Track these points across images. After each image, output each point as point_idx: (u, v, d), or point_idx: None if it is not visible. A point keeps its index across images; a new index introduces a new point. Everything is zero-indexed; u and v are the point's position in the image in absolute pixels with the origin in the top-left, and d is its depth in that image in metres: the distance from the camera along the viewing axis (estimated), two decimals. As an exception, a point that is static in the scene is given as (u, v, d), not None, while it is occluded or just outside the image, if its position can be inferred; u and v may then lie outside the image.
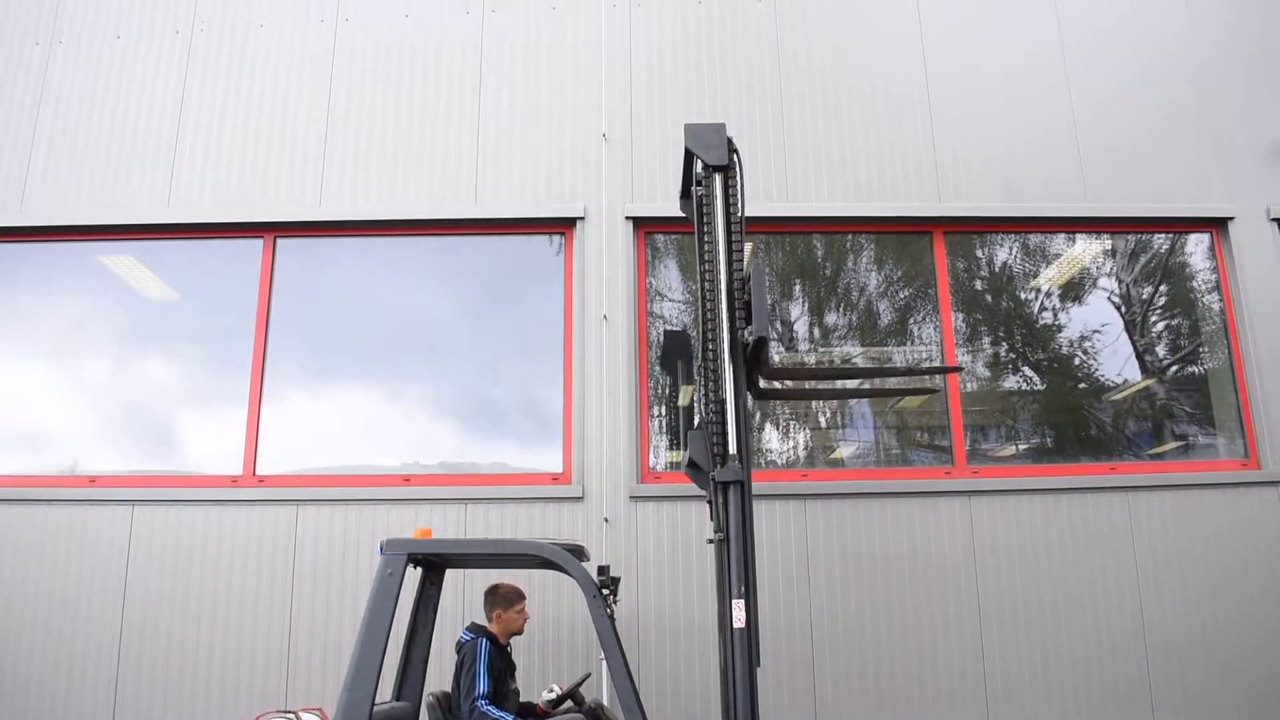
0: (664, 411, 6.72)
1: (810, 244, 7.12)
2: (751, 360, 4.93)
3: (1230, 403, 6.86)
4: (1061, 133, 7.18)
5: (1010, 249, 7.15)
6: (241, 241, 6.99)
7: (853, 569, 6.31)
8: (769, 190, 6.92)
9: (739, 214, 5.12)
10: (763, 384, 5.32)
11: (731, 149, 5.19)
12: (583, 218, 6.86)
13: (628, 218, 6.85)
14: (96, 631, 6.23)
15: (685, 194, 5.72)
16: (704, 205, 5.19)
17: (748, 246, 5.11)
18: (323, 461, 6.65)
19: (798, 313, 7.04)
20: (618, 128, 7.06)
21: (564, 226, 6.95)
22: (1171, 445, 6.86)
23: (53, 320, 6.93)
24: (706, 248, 5.11)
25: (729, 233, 5.06)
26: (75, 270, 7.01)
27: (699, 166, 5.32)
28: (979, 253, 7.13)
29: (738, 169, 5.18)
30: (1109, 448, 6.81)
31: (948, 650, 6.22)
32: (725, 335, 4.90)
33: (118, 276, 7.03)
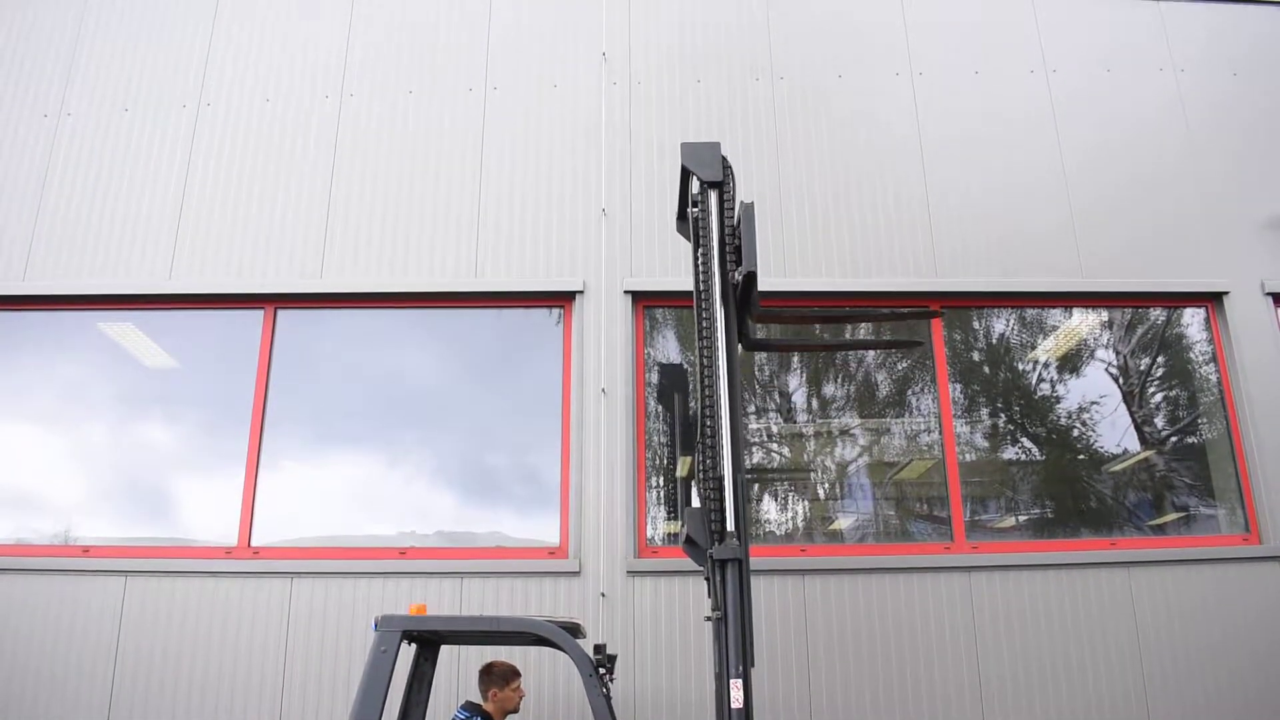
0: (662, 482, 6.70)
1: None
2: (741, 303, 4.96)
3: (1229, 473, 6.84)
4: (1057, 208, 7.27)
5: (1007, 321, 7.19)
6: (242, 312, 7.03)
7: (852, 645, 6.24)
8: (766, 265, 6.98)
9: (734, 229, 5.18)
10: (754, 332, 5.32)
11: (726, 167, 5.27)
12: (582, 291, 6.91)
13: (626, 291, 6.90)
14: (85, 703, 6.13)
15: (682, 215, 5.79)
16: (700, 225, 5.25)
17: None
18: (319, 530, 6.61)
19: (796, 384, 7.06)
20: (617, 203, 7.15)
21: (563, 300, 7.00)
22: (1172, 516, 6.83)
23: (51, 386, 6.94)
24: (702, 267, 5.16)
25: (724, 247, 5.11)
26: (75, 337, 7.04)
27: (695, 187, 5.40)
28: (976, 324, 7.17)
29: (732, 187, 5.25)
30: (1109, 520, 6.78)
31: (949, 729, 6.13)
32: (724, 400, 4.91)
33: (118, 343, 7.05)
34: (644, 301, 7.02)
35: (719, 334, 5.00)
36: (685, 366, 6.94)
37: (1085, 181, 7.36)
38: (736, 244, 5.03)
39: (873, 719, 6.11)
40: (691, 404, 6.81)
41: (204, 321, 7.05)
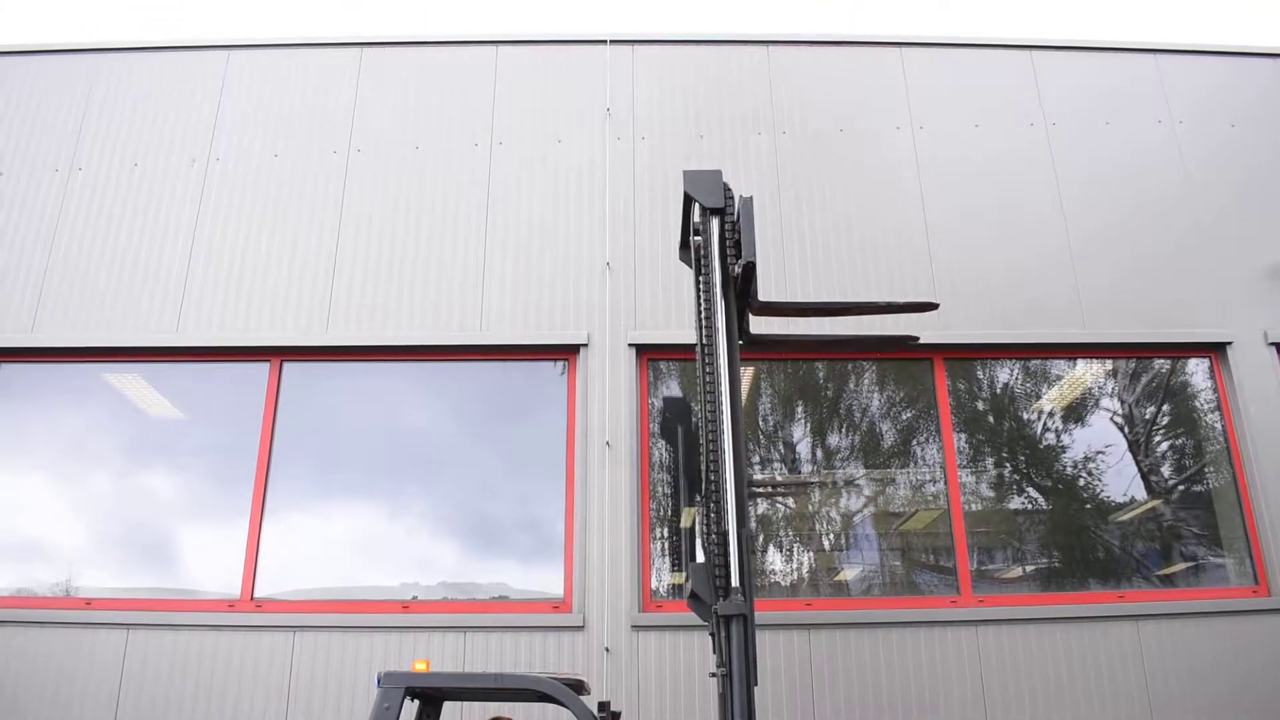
0: (666, 532, 6.67)
1: (812, 366, 7.18)
2: (741, 295, 4.94)
3: (1237, 523, 6.80)
4: (1059, 260, 7.31)
5: (1011, 370, 7.20)
6: (248, 364, 7.06)
7: (859, 700, 6.17)
8: (769, 324, 6.99)
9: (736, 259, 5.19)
10: (753, 328, 5.29)
11: (727, 193, 5.30)
12: (586, 344, 6.94)
13: (630, 344, 6.93)
14: (85, 762, 6.08)
15: (684, 244, 5.80)
16: (702, 254, 5.27)
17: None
18: (322, 581, 6.59)
19: (800, 434, 7.06)
20: (621, 256, 7.20)
21: (568, 353, 7.03)
22: (1180, 566, 6.78)
23: (56, 437, 6.96)
24: (704, 297, 5.17)
25: (725, 274, 5.12)
26: (81, 388, 7.07)
27: (696, 215, 5.43)
28: (980, 374, 7.18)
29: (734, 213, 5.28)
30: (1117, 570, 6.73)
31: (958, 788, 6.04)
32: (729, 454, 4.90)
33: (124, 395, 7.08)
34: (648, 354, 7.04)
35: (722, 378, 5.01)
36: (690, 403, 6.93)
37: (1086, 233, 7.40)
38: (736, 239, 5.05)
39: (880, 776, 6.04)
40: (695, 418, 6.79)
41: (210, 373, 7.08)
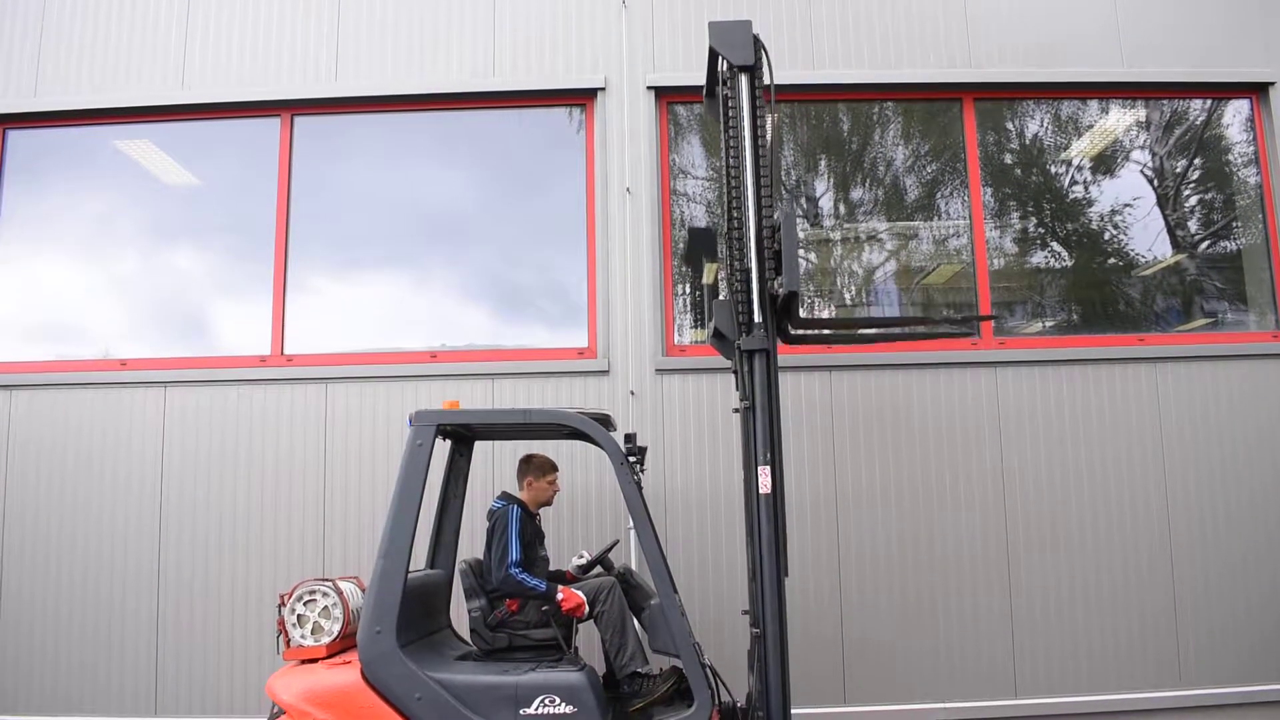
0: (688, 290, 6.69)
1: (835, 117, 6.97)
2: (782, 311, 4.86)
3: (1262, 279, 6.75)
4: (1098, -7, 6.93)
5: (1041, 121, 6.97)
6: (259, 121, 6.89)
7: (877, 440, 6.34)
8: (794, 58, 6.73)
9: (767, 113, 4.99)
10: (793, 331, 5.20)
11: (758, 46, 5.02)
12: (603, 88, 6.71)
13: (649, 88, 6.70)
14: (136, 509, 6.38)
15: (710, 93, 5.54)
16: (729, 105, 5.07)
17: (770, 120, 5.03)
18: (349, 344, 6.69)
19: (823, 188, 6.94)
20: (638, -6, 6.85)
21: (584, 98, 6.80)
22: (1201, 322, 6.80)
23: (72, 208, 6.91)
24: (732, 146, 5.01)
25: (755, 131, 4.93)
26: (93, 157, 6.96)
27: (724, 65, 5.17)
28: (1009, 125, 6.96)
29: (765, 67, 5.02)
30: (1137, 323, 6.75)
31: (970, 517, 6.29)
32: (750, 204, 4.84)
33: (136, 162, 6.97)
34: (667, 97, 6.81)
35: (744, 136, 4.87)
36: (711, 229, 6.78)
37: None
38: (776, 249, 4.75)
39: (896, 509, 6.29)
40: (720, 228, 6.71)
41: (221, 134, 6.93)
